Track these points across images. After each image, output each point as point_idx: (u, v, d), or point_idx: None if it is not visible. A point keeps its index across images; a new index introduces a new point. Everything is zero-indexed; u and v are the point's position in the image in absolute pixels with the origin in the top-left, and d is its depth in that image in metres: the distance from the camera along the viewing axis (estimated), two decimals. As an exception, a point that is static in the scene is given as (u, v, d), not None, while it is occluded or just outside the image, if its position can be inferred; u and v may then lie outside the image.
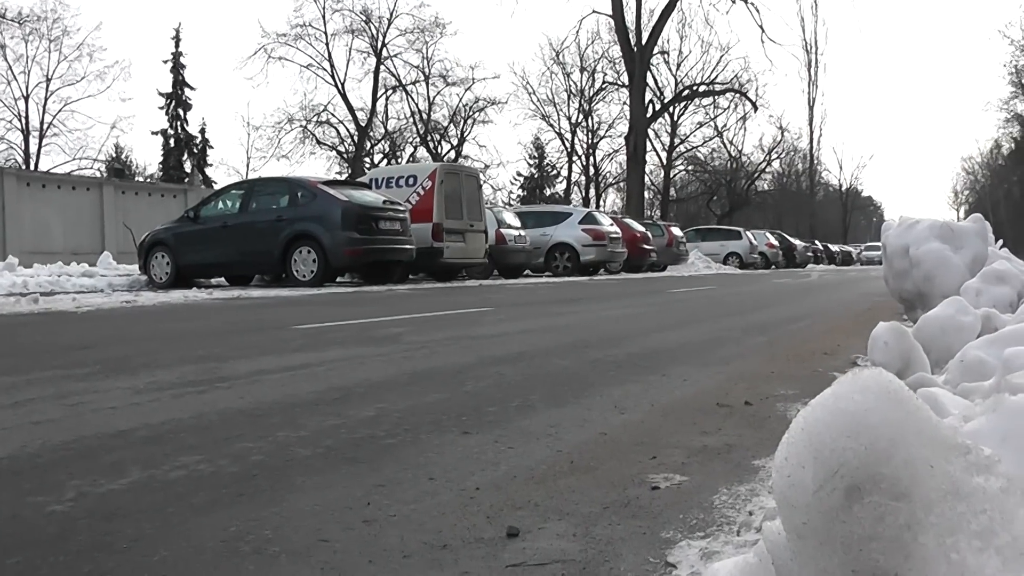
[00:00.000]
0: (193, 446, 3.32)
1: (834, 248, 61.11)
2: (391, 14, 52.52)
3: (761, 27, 57.83)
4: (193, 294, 14.43)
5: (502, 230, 23.71)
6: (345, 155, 54.17)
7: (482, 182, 25.69)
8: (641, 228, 31.09)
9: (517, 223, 25.13)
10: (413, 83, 54.94)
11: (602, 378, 5.15)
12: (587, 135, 61.62)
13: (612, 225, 28.00)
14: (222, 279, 18.61)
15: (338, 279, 18.98)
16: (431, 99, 55.39)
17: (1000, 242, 6.48)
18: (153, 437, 3.51)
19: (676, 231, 34.79)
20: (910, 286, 5.57)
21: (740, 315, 10.74)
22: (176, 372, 5.33)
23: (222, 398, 4.42)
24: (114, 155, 56.55)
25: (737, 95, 56.41)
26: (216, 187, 34.35)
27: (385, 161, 53.94)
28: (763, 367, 5.70)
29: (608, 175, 64.02)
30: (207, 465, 3.03)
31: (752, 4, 45.85)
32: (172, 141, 58.14)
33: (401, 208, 18.27)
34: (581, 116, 60.79)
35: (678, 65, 57.86)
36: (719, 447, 3.32)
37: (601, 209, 48.59)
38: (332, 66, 52.36)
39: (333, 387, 4.76)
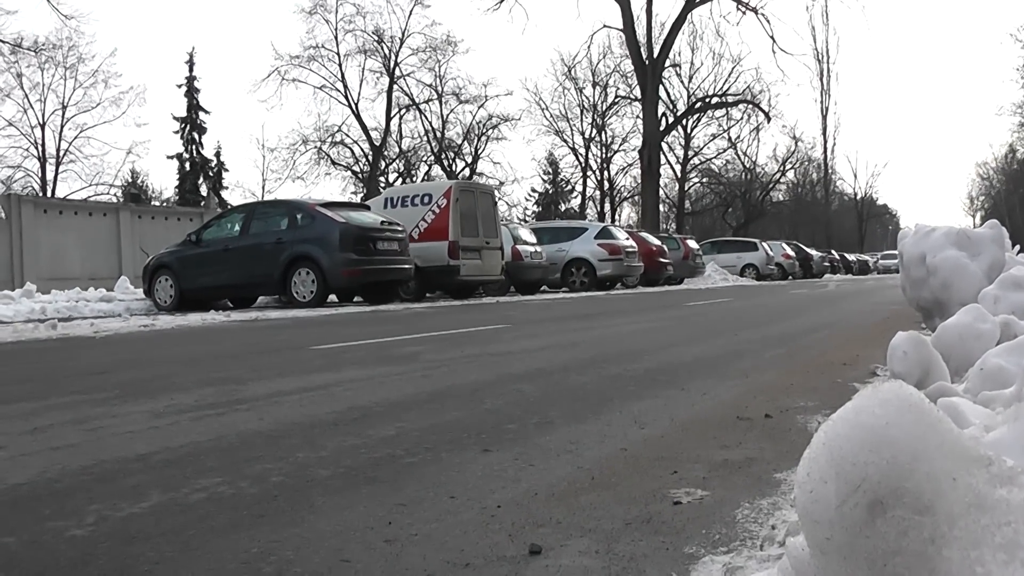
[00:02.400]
0: (213, 468, 3.32)
1: (851, 257, 60.88)
2: (403, 33, 52.78)
3: (772, 37, 57.83)
4: (211, 316, 14.47)
5: (518, 246, 23.72)
6: (360, 175, 54.35)
7: (497, 199, 25.72)
8: (657, 242, 31.03)
9: (533, 239, 25.15)
10: (426, 101, 55.15)
11: (621, 393, 5.14)
12: (601, 149, 61.70)
13: (628, 239, 27.97)
14: (227, 301, 18.71)
15: (340, 299, 19.07)
16: (444, 117, 55.60)
17: (1017, 247, 6.45)
18: (173, 460, 3.52)
19: (692, 244, 34.72)
20: (927, 294, 5.54)
21: (757, 327, 10.70)
22: (195, 395, 5.34)
23: (241, 420, 4.43)
24: (130, 180, 56.87)
25: (750, 106, 56.38)
26: (232, 210, 34.47)
27: (400, 180, 54.07)
28: (782, 379, 5.67)
29: (623, 189, 64.07)
30: (227, 487, 3.04)
31: (763, 15, 45.87)
32: (187, 165, 58.42)
33: (399, 228, 18.42)
34: (594, 131, 60.89)
35: (690, 77, 57.94)
36: (740, 461, 3.30)
37: (617, 223, 48.60)
38: (345, 86, 52.64)
39: (352, 407, 4.76)
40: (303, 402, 5.01)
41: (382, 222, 18.29)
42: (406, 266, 18.36)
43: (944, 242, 5.46)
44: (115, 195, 50.95)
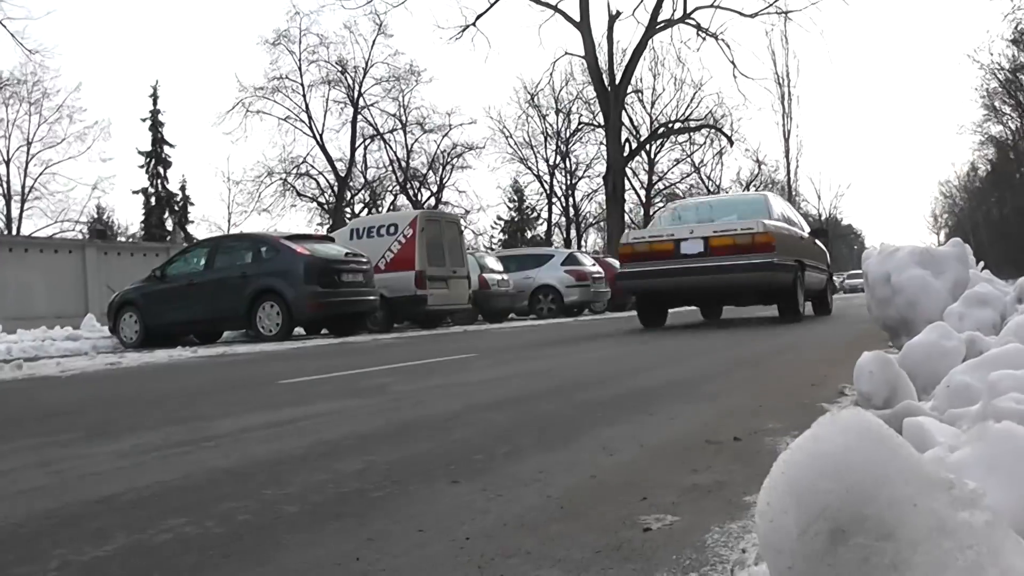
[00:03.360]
0: (179, 508, 3.28)
1: (816, 278, 61.28)
2: (367, 63, 52.87)
3: (733, 63, 58.24)
4: (178, 353, 14.35)
5: (485, 275, 23.76)
6: (326, 206, 54.20)
7: (463, 228, 25.76)
8: (624, 267, 31.11)
9: (500, 267, 25.20)
10: (391, 131, 55.19)
11: (589, 420, 5.13)
12: (565, 176, 61.97)
13: (595, 265, 28.09)
14: (193, 336, 18.58)
15: (307, 332, 18.97)
16: (409, 147, 55.64)
17: (982, 264, 6.51)
18: (139, 501, 3.47)
19: (659, 268, 34.82)
20: (893, 313, 5.59)
21: (724, 349, 10.74)
22: (161, 433, 5.28)
23: (208, 458, 4.38)
24: (96, 216, 56.44)
25: (713, 131, 56.83)
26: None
27: (366, 211, 53.98)
28: (751, 401, 5.68)
29: (588, 215, 64.30)
30: (193, 527, 3.00)
31: (723, 40, 46.28)
32: (153, 199, 58.08)
33: (364, 260, 18.44)
34: (559, 157, 61.15)
35: (652, 103, 58.40)
36: (710, 485, 3.30)
37: (583, 249, 48.74)
38: (310, 117, 52.58)
39: (320, 441, 4.73)
40: (270, 438, 4.97)
41: (346, 254, 18.29)
42: (371, 297, 18.37)
43: (909, 261, 5.51)
44: (81, 232, 50.57)
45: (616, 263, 31.06)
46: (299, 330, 18.49)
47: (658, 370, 8.29)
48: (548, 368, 9.00)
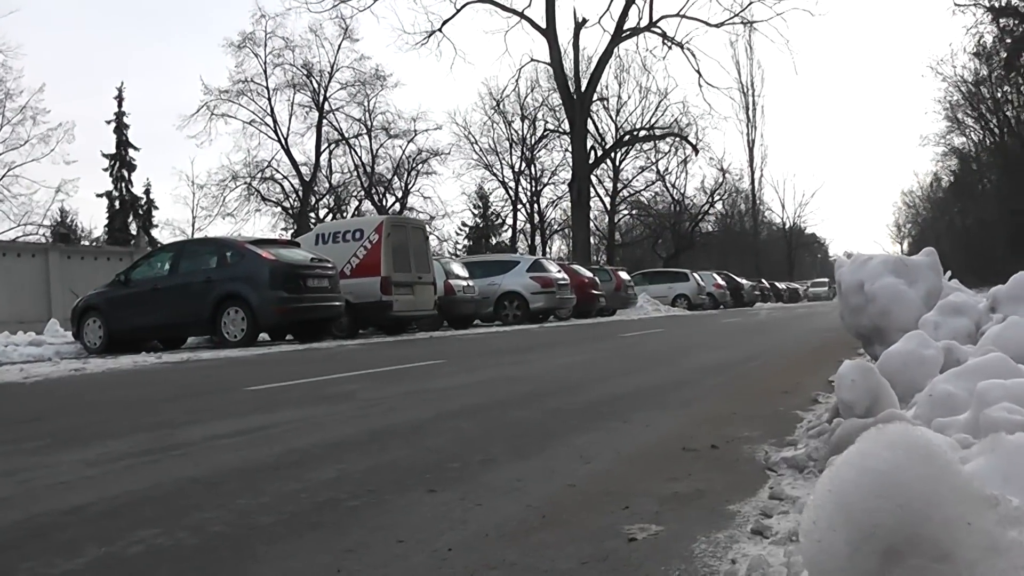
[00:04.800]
0: (150, 519, 3.21)
1: (781, 286, 61.69)
2: (332, 68, 52.48)
3: (698, 71, 58.79)
4: (142, 359, 14.16)
5: (450, 281, 23.65)
6: (290, 211, 53.81)
7: (429, 233, 25.66)
8: (589, 274, 31.14)
9: (465, 273, 25.09)
10: (356, 136, 54.81)
11: (563, 427, 5.10)
12: (530, 183, 61.87)
13: (560, 272, 28.03)
14: (157, 342, 18.32)
15: (271, 338, 18.79)
16: (374, 152, 55.31)
17: (948, 273, 6.55)
18: (109, 511, 3.39)
19: (624, 275, 34.89)
20: (866, 321, 5.59)
21: (693, 357, 10.75)
22: (129, 441, 5.18)
23: (177, 466, 4.30)
24: (59, 219, 55.61)
25: (678, 139, 57.02)
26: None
27: (330, 216, 53.65)
28: (724, 408, 5.67)
29: (553, 222, 64.26)
30: (166, 539, 2.93)
31: (689, 49, 46.47)
32: (117, 203, 57.29)
33: (329, 265, 18.27)
34: (524, 164, 61.09)
35: (617, 111, 58.50)
36: (690, 493, 3.27)
37: (548, 256, 48.73)
38: (275, 121, 52.09)
39: (291, 449, 4.66)
40: (240, 446, 4.89)
41: (312, 259, 18.12)
42: (337, 303, 18.20)
43: (882, 270, 5.52)
44: (44, 235, 49.83)
45: (582, 270, 31.18)
46: (263, 336, 18.30)
47: (627, 377, 8.28)
48: (517, 375, 8.95)
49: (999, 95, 51.82)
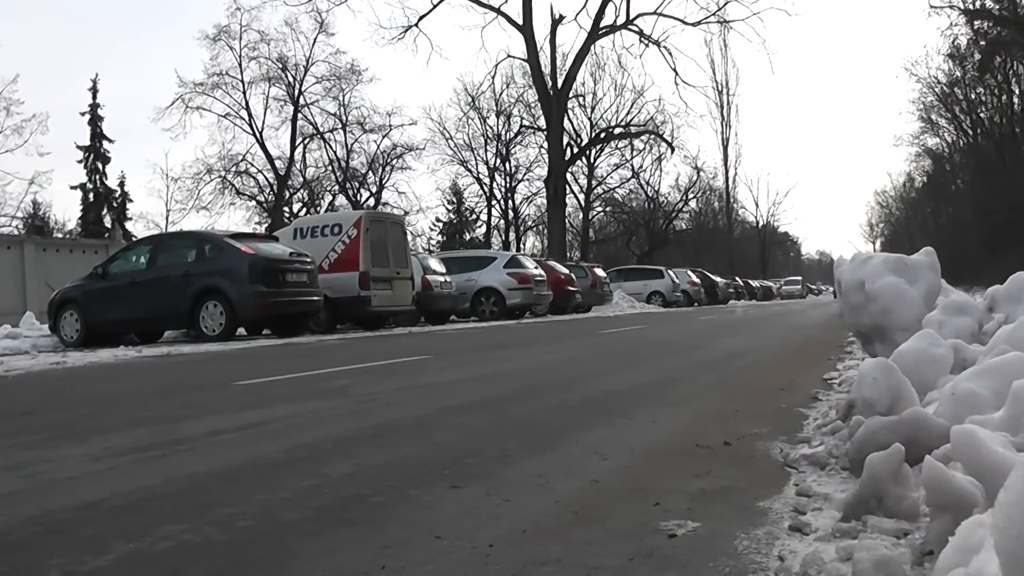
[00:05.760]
0: (171, 514, 3.16)
1: (754, 283, 62.03)
2: (307, 61, 52.19)
3: (675, 69, 59.02)
4: (122, 352, 14.01)
5: (428, 276, 23.58)
6: (265, 205, 53.52)
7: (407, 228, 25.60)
8: (565, 270, 31.15)
9: (442, 269, 25.04)
10: (331, 131, 54.53)
11: (568, 423, 5.08)
12: (505, 179, 61.83)
13: (537, 268, 28.04)
14: (134, 335, 18.15)
15: (249, 332, 18.66)
16: (349, 146, 55.07)
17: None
18: (126, 507, 3.35)
19: (600, 272, 34.94)
20: (867, 320, 5.61)
21: (680, 354, 10.76)
22: (129, 436, 5.12)
23: (186, 461, 4.25)
24: (32, 212, 54.98)
25: (652, 136, 57.15)
26: (136, 241, 33.44)
27: (304, 210, 53.36)
28: (725, 406, 5.68)
29: (527, 218, 64.25)
30: (193, 534, 2.89)
31: (665, 47, 46.57)
32: (91, 195, 56.65)
33: (308, 260, 18.18)
34: (498, 160, 61.03)
35: (592, 108, 58.55)
36: (716, 490, 3.27)
37: (522, 252, 48.71)
38: (250, 115, 51.73)
39: (298, 444, 4.61)
40: (243, 441, 4.84)
41: (291, 253, 18.02)
42: (316, 298, 18.11)
43: (883, 269, 5.54)
44: (16, 228, 49.24)
45: (559, 266, 31.19)
46: (240, 330, 18.17)
47: (619, 374, 8.28)
48: (507, 370, 8.93)
49: (973, 96, 52.24)
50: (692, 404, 5.87)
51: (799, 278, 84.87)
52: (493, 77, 69.46)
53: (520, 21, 44.30)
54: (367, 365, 9.90)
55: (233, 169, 52.11)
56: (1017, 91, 48.12)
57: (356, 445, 4.57)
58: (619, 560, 2.44)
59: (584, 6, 48.53)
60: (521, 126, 58.46)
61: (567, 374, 8.32)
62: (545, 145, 49.99)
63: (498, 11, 44.96)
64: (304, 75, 52.45)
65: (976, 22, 40.38)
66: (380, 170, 56.01)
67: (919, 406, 3.38)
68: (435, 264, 25.15)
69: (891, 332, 5.45)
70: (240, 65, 50.82)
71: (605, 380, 7.64)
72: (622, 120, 57.44)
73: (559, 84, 45.97)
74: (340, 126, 54.39)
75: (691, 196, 66.94)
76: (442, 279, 24.37)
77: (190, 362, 11.75)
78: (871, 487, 2.69)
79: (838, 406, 5.07)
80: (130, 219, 57.25)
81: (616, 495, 3.23)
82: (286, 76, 52.20)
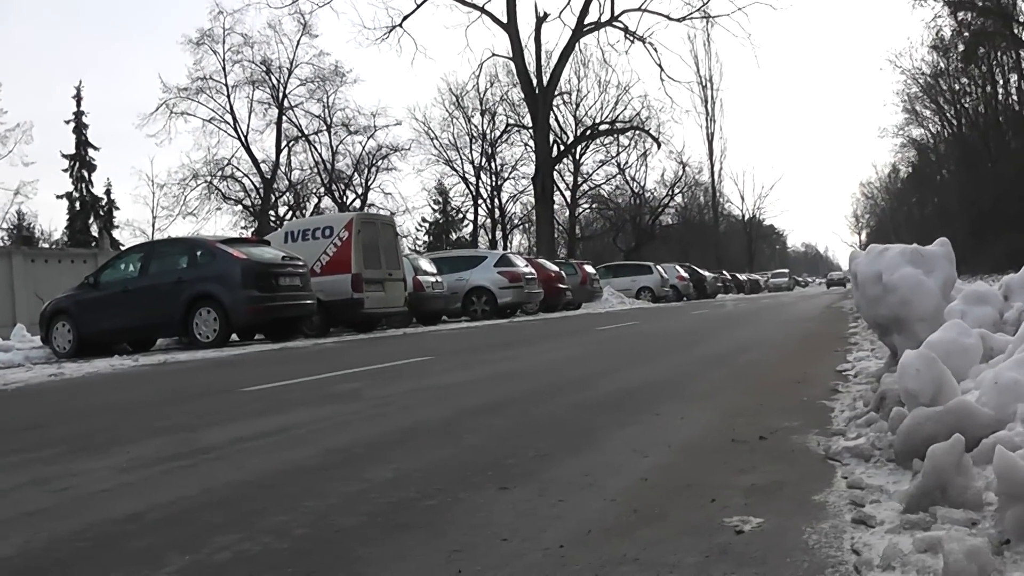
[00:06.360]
0: (221, 524, 3.13)
1: (742, 277, 62.18)
2: (291, 64, 52.06)
3: (660, 65, 58.92)
4: (118, 362, 13.93)
5: (419, 277, 23.55)
6: (251, 209, 53.33)
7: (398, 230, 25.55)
8: (555, 268, 31.16)
9: (433, 269, 25.02)
10: (316, 133, 54.42)
11: (596, 422, 5.07)
12: (491, 178, 61.79)
13: (527, 266, 28.05)
14: (126, 344, 18.03)
15: (242, 338, 18.58)
16: (334, 148, 54.95)
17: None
18: (169, 517, 3.31)
19: (589, 269, 34.98)
20: (885, 311, 5.60)
21: (684, 349, 10.77)
22: (150, 446, 5.07)
23: (218, 470, 4.22)
24: (18, 222, 54.63)
25: (638, 132, 57.19)
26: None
27: (291, 213, 53.21)
28: (747, 400, 5.68)
29: (514, 216, 64.24)
30: (251, 544, 2.86)
31: (650, 43, 46.61)
32: (78, 204, 56.31)
33: (301, 263, 18.12)
34: (484, 159, 60.99)
35: (577, 105, 58.54)
36: (768, 485, 3.26)
37: (510, 250, 48.68)
38: (235, 118, 51.57)
39: (329, 449, 4.59)
40: (270, 447, 4.81)
41: (284, 257, 17.94)
42: (309, 302, 18.05)
43: (900, 260, 5.53)
44: (2, 239, 48.93)
45: (549, 264, 31.19)
46: (233, 336, 18.09)
47: (629, 371, 8.27)
48: (514, 370, 8.91)
49: (957, 87, 52.51)
50: (713, 400, 5.86)
51: (786, 271, 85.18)
52: (478, 76, 69.37)
53: (504, 20, 44.32)
54: (371, 368, 9.85)
55: (219, 174, 51.96)
56: (1001, 81, 48.45)
57: (387, 448, 4.55)
58: (696, 557, 2.43)
59: (568, 3, 48.53)
60: (507, 125, 58.43)
61: (575, 372, 8.30)
62: (531, 143, 50.00)
63: (482, 10, 44.96)
64: (288, 77, 52.37)
65: (960, 13, 40.66)
66: (366, 171, 55.96)
67: (959, 395, 3.39)
68: (426, 265, 25.13)
69: (910, 323, 5.45)
70: (224, 69, 50.69)
71: (618, 377, 7.63)
72: (607, 117, 57.51)
73: (544, 82, 45.98)
74: (325, 128, 54.32)
75: (677, 191, 67.02)
76: (433, 279, 24.35)
77: (189, 370, 11.70)
78: (935, 478, 2.69)
79: (865, 398, 5.08)
80: (117, 227, 56.98)
81: (669, 492, 3.22)
82: (270, 79, 52.10)
